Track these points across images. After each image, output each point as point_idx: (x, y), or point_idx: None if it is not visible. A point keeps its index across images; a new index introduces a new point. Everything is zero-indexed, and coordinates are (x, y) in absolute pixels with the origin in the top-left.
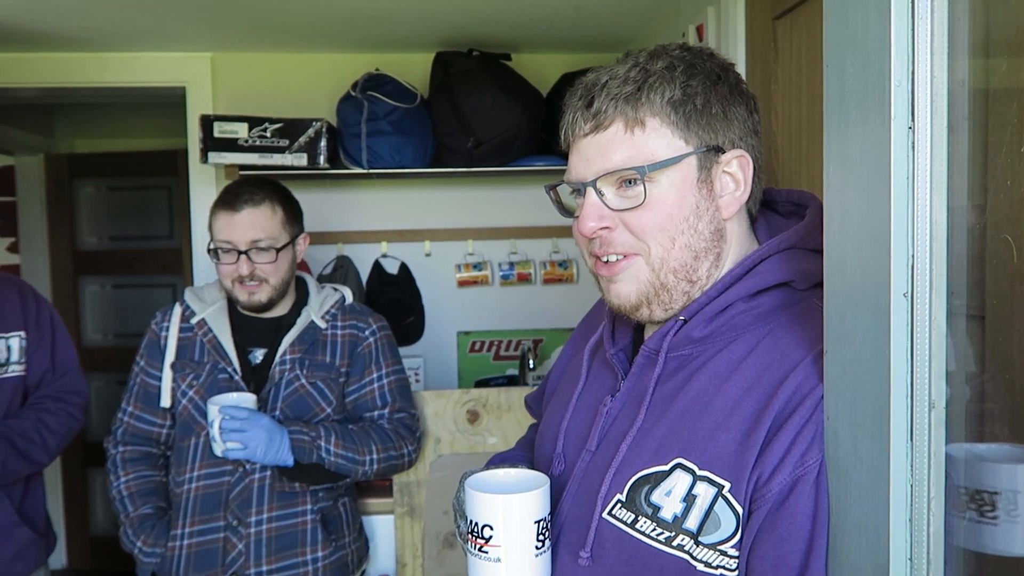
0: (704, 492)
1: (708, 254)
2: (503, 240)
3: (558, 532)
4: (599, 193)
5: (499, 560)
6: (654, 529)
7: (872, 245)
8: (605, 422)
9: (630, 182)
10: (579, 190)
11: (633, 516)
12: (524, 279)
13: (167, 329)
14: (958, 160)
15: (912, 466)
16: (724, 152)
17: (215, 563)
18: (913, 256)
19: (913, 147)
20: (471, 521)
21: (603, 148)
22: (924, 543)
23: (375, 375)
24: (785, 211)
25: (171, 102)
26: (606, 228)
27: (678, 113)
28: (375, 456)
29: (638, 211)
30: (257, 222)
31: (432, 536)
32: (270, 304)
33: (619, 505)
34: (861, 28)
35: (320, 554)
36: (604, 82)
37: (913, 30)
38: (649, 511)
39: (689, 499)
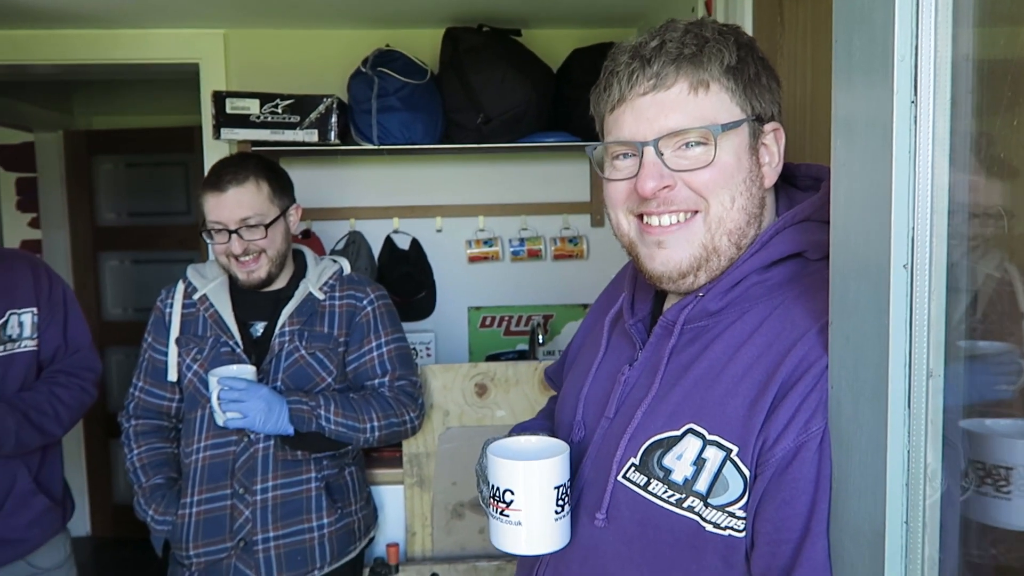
0: (713, 456)
1: (755, 219)
2: (514, 216)
3: (578, 495)
4: (659, 153)
5: (520, 523)
6: (665, 491)
7: (874, 217)
8: (623, 390)
9: (692, 143)
10: (632, 151)
11: (646, 479)
12: (534, 255)
13: (171, 306)
14: (961, 134)
15: (909, 433)
16: (765, 123)
17: (223, 530)
18: (913, 228)
19: (916, 121)
20: (493, 486)
21: (664, 108)
22: (920, 508)
23: (374, 344)
24: (804, 185)
25: (186, 79)
26: (667, 187)
27: (736, 80)
28: (376, 424)
29: (702, 170)
30: (244, 200)
31: (441, 506)
32: (269, 279)
33: (633, 468)
34: (868, 2)
35: (326, 520)
36: (660, 44)
37: (918, 4)
38: (661, 474)
39: (699, 463)
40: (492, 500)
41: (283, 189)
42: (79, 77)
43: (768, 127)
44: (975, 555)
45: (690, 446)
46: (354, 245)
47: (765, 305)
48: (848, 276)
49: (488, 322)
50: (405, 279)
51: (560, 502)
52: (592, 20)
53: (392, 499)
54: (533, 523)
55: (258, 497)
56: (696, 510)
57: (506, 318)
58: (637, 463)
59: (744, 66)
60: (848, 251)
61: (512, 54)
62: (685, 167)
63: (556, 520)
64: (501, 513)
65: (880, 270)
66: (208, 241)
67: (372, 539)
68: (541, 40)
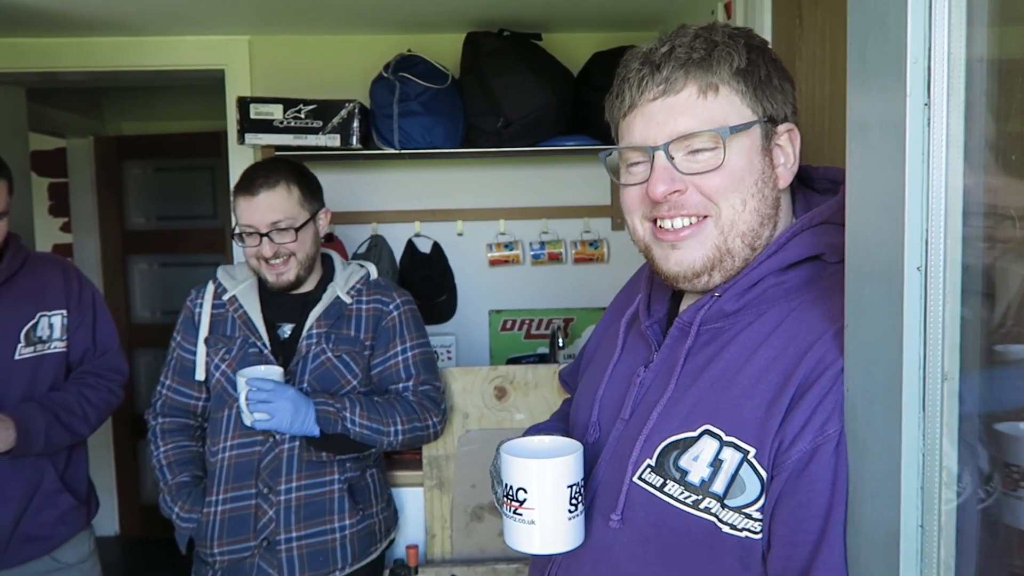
0: (730, 457)
1: (770, 221)
2: (534, 220)
3: (592, 496)
4: (669, 157)
5: (533, 522)
6: (682, 492)
7: (888, 220)
8: (639, 392)
9: (701, 147)
10: (644, 157)
11: (662, 480)
12: (555, 258)
13: (200, 306)
14: (975, 136)
15: (924, 436)
16: (779, 124)
17: (247, 529)
18: (927, 231)
19: (929, 123)
20: (506, 485)
21: (674, 112)
22: (936, 511)
23: (399, 348)
24: (822, 188)
25: (212, 85)
26: (677, 192)
27: (746, 82)
28: (399, 427)
29: (711, 174)
30: (275, 204)
31: (460, 509)
32: (298, 281)
33: (649, 470)
34: (882, 4)
35: (348, 522)
36: (669, 49)
37: (931, 6)
38: (677, 475)
39: (716, 464)
40: (506, 499)
41: (313, 194)
42: (109, 84)
43: (782, 128)
44: (1006, 564)
45: (707, 447)
46: (376, 249)
47: (782, 307)
48: (863, 278)
49: (509, 325)
50: (426, 282)
51: (574, 501)
52: (612, 24)
53: (412, 501)
54: (546, 522)
55: (282, 497)
56: (713, 511)
57: (527, 321)
58: (653, 464)
59: (755, 68)
60: (863, 253)
61: (532, 58)
62: (696, 170)
63: (570, 519)
64: (514, 512)
65: (894, 272)
66: (239, 244)
67: (392, 541)
68: (561, 44)
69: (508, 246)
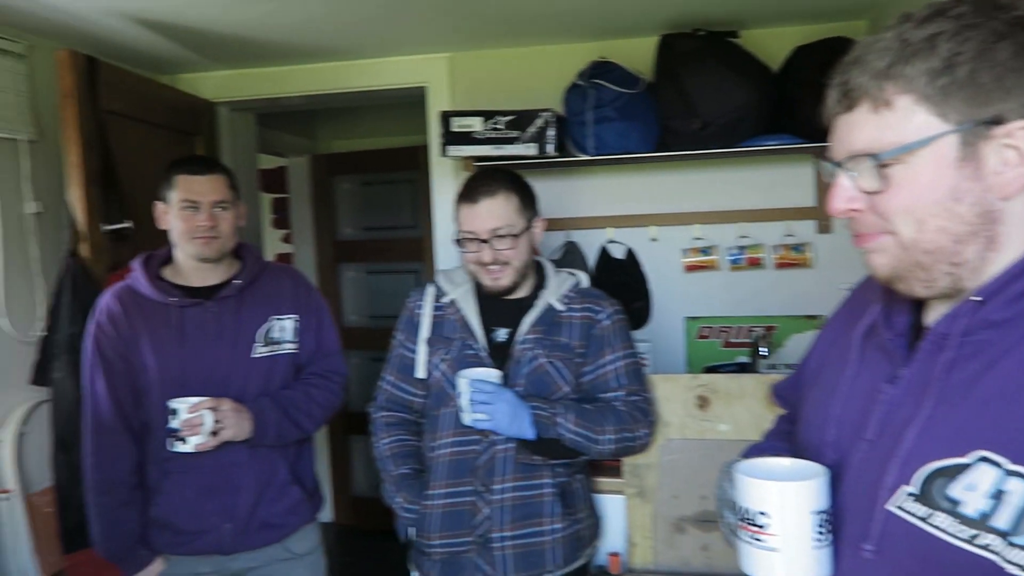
0: (1018, 489)
1: (974, 238)
2: (731, 224)
3: (835, 524)
4: (849, 174)
5: (775, 550)
6: (953, 525)
7: None
8: (884, 410)
9: (876, 164)
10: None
11: (928, 510)
12: (755, 263)
13: (421, 307)
14: None
15: None
16: (1002, 124)
17: (464, 524)
18: None
19: None
20: (743, 508)
21: (851, 128)
22: None
23: (609, 357)
24: None
25: (413, 102)
26: (855, 210)
27: (935, 87)
28: (611, 436)
29: (883, 194)
30: (495, 211)
31: (662, 519)
32: (512, 287)
33: (909, 498)
34: None
35: (559, 525)
36: (859, 56)
37: None
38: (947, 506)
39: (998, 495)
40: (742, 523)
41: (530, 203)
42: (323, 106)
43: (1010, 127)
44: None
45: (984, 476)
46: (570, 255)
47: None
48: None
49: (706, 333)
50: (620, 289)
51: (820, 529)
52: (816, 14)
53: (612, 508)
54: (791, 550)
55: (496, 496)
56: (994, 548)
57: (725, 329)
58: (916, 492)
59: (951, 69)
60: None
61: (729, 56)
62: (873, 188)
63: (815, 549)
64: (753, 537)
65: None
66: (461, 250)
67: (596, 548)
68: (760, 40)
69: (704, 251)
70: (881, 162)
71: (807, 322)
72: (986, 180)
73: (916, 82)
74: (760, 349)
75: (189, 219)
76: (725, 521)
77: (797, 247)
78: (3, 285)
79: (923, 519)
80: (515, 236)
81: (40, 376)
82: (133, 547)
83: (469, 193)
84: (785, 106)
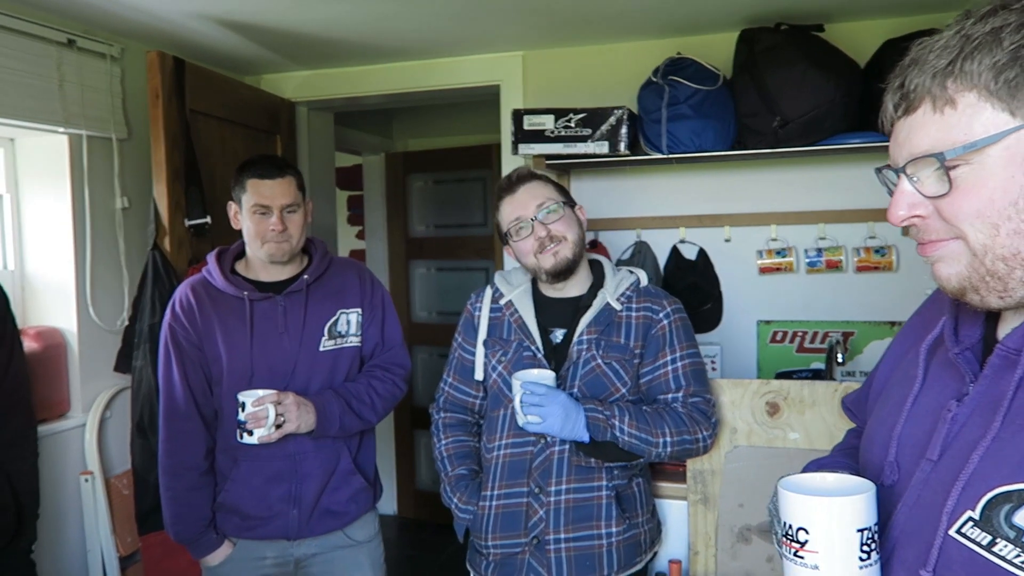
0: None
1: None
2: (810, 224)
3: (892, 547)
4: (910, 179)
5: (816, 568)
6: (1018, 556)
7: None
8: (950, 429)
9: (940, 167)
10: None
11: (990, 538)
12: (833, 266)
13: (480, 309)
14: None
15: None
16: None
17: (519, 525)
18: None
19: None
20: (785, 523)
21: (912, 131)
22: None
23: (668, 358)
24: None
25: (486, 100)
26: (918, 216)
27: (1000, 81)
28: (668, 439)
29: (949, 197)
30: (535, 191)
31: (726, 528)
32: (572, 264)
33: (971, 523)
34: None
35: (615, 529)
36: (918, 56)
37: None
38: (1011, 534)
39: None
40: (785, 539)
41: (564, 192)
42: (399, 104)
43: None
44: None
45: None
46: (640, 255)
47: None
48: None
49: (779, 337)
50: (691, 290)
51: (865, 548)
52: (905, 6)
53: (674, 514)
54: (833, 569)
55: (552, 498)
56: None
57: (800, 334)
58: (976, 517)
59: (1018, 61)
60: None
61: (813, 51)
62: (937, 193)
63: (861, 569)
64: (795, 554)
65: None
66: (513, 242)
67: (656, 553)
68: (846, 34)
69: (780, 253)
70: (946, 163)
71: (889, 329)
72: None
73: (981, 77)
74: (837, 355)
75: (261, 223)
76: (775, 534)
77: (880, 250)
78: (92, 277)
79: (985, 547)
80: (560, 210)
81: (123, 364)
82: (203, 531)
83: (507, 186)
84: (871, 102)
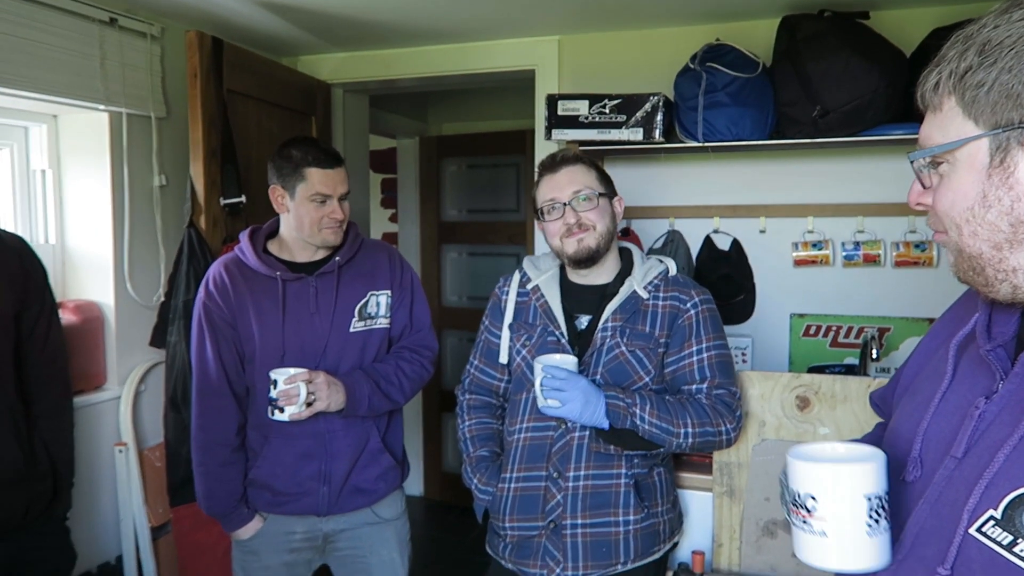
0: None
1: (1018, 245)
2: (848, 217)
3: (911, 543)
4: (918, 169)
5: (824, 534)
6: None
7: None
8: (977, 426)
9: (931, 162)
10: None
11: (1011, 538)
12: (871, 260)
13: (507, 293)
14: None
15: None
16: None
17: (536, 509)
18: None
19: None
20: (793, 491)
21: (924, 126)
22: None
23: (694, 348)
24: None
25: (521, 85)
26: (922, 204)
27: (961, 91)
28: (690, 430)
29: (936, 192)
30: (576, 176)
31: (751, 521)
32: (596, 254)
33: (992, 523)
34: None
35: (632, 517)
36: (934, 60)
37: None
38: None
39: None
40: (793, 507)
41: (607, 181)
42: (434, 88)
43: None
44: None
45: None
46: (672, 244)
47: None
48: None
49: (813, 331)
50: (723, 281)
51: (874, 515)
52: None
53: (698, 505)
54: (841, 535)
55: (570, 484)
56: None
57: (833, 328)
58: (998, 517)
59: (979, 71)
60: None
61: (857, 39)
62: (929, 185)
63: (870, 536)
64: (804, 522)
65: None
66: (545, 221)
67: (676, 544)
68: (892, 22)
69: (816, 245)
70: (932, 159)
71: (927, 325)
72: (1017, 188)
73: (954, 85)
74: (871, 351)
75: (319, 210)
76: (784, 502)
77: (920, 245)
78: (129, 253)
79: (1006, 547)
80: (596, 199)
81: (158, 339)
82: (234, 505)
83: (551, 163)
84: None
